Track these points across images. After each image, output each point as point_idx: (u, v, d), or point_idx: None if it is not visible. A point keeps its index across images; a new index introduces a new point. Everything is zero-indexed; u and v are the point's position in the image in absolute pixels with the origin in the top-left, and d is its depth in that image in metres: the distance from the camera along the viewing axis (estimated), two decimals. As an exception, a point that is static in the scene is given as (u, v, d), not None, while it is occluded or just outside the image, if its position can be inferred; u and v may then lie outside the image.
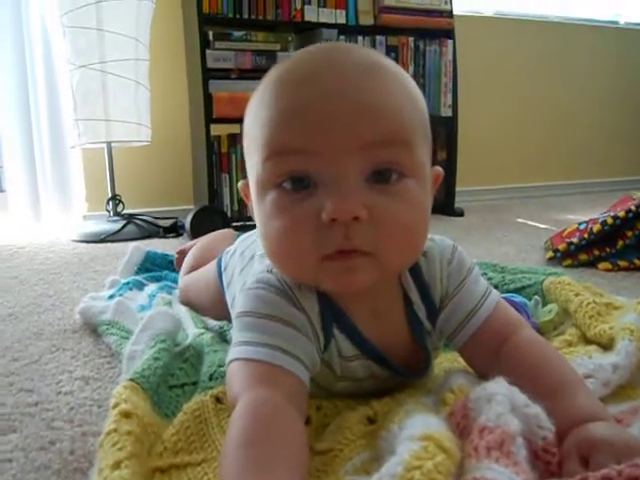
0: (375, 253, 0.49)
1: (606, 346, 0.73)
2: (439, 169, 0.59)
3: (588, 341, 0.78)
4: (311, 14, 2.33)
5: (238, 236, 0.93)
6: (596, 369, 0.64)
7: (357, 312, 0.57)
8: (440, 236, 0.62)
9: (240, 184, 0.61)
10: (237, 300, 0.59)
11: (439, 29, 2.54)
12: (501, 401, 0.46)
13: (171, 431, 0.54)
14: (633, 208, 1.32)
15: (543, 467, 0.46)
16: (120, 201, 2.22)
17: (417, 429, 0.44)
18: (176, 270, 1.23)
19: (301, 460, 0.42)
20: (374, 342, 0.58)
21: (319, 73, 0.50)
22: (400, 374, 0.61)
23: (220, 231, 1.32)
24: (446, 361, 0.73)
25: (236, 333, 0.54)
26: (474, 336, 0.58)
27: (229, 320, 0.87)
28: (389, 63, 0.53)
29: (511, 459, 0.42)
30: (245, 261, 0.78)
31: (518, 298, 0.90)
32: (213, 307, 0.92)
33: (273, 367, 0.50)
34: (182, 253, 1.22)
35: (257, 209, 0.54)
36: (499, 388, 0.48)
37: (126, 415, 0.52)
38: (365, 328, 0.57)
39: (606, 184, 3.40)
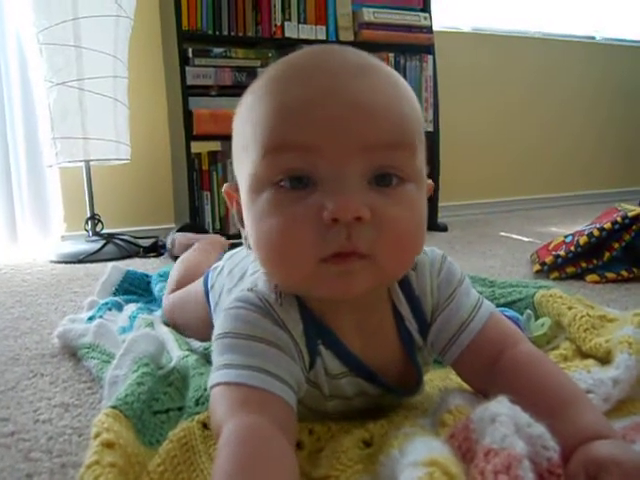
0: (373, 256, 0.47)
1: (602, 359, 0.72)
2: (430, 181, 0.57)
3: (583, 355, 0.76)
4: (291, 30, 2.33)
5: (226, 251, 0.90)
6: (596, 384, 0.62)
7: (343, 327, 0.55)
8: (430, 247, 0.61)
9: (225, 186, 0.59)
10: (216, 321, 0.56)
11: (419, 45, 2.55)
12: (505, 422, 0.44)
13: (157, 461, 0.51)
14: (619, 220, 1.32)
15: (549, 489, 0.44)
16: (99, 220, 2.18)
17: (420, 454, 0.41)
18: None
19: None
20: (362, 358, 0.56)
21: (316, 72, 0.49)
22: (390, 391, 0.58)
23: (210, 237, 1.29)
24: (437, 378, 0.71)
25: (216, 357, 0.51)
26: (467, 349, 0.56)
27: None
28: (384, 65, 0.52)
29: (519, 483, 0.40)
30: (234, 280, 0.76)
31: (510, 312, 0.88)
32: (199, 327, 0.89)
33: (257, 390, 0.47)
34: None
35: (249, 210, 0.51)
36: (502, 408, 0.46)
37: (108, 445, 0.49)
38: (352, 344, 0.55)
39: (587, 196, 3.43)
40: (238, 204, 0.55)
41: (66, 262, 1.94)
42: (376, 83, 0.49)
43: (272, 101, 0.49)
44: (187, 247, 1.26)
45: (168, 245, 1.23)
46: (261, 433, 0.43)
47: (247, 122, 0.51)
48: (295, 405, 0.49)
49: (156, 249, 2.11)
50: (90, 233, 2.16)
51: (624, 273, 1.32)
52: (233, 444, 0.42)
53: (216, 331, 0.53)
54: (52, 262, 1.95)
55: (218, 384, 0.49)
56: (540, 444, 0.44)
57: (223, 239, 1.23)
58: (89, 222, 2.16)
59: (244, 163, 0.52)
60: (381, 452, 0.49)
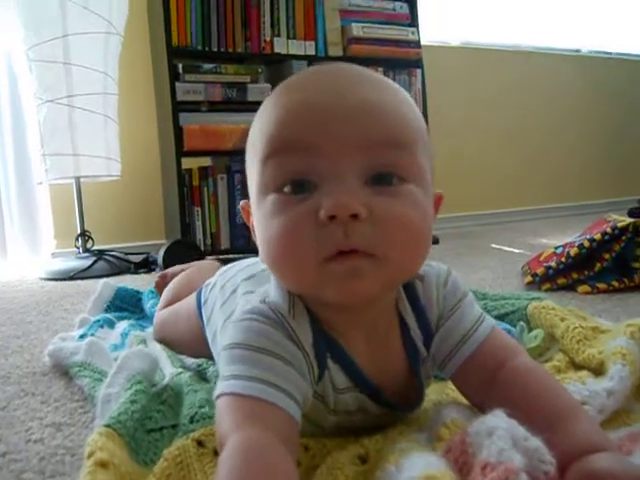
0: (378, 255, 0.47)
1: (596, 371, 0.72)
2: (440, 192, 0.57)
3: (577, 366, 0.76)
4: (281, 46, 2.34)
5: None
6: (591, 395, 0.62)
7: (352, 340, 0.55)
8: (435, 262, 0.61)
9: (241, 203, 0.60)
10: (226, 331, 0.56)
11: (408, 59, 2.57)
12: (502, 436, 0.44)
13: (151, 480, 0.51)
14: (609, 230, 1.33)
15: (546, 503, 0.44)
16: (90, 237, 2.17)
17: (417, 469, 0.41)
18: (157, 294, 1.19)
19: None
20: (368, 373, 0.55)
21: (318, 79, 0.52)
22: (392, 409, 0.58)
23: (204, 262, 1.29)
24: (433, 392, 0.71)
25: (225, 366, 0.51)
26: (468, 362, 0.56)
27: (208, 357, 0.84)
28: (386, 78, 0.55)
29: (517, 497, 0.39)
30: (226, 295, 0.75)
31: (502, 325, 0.88)
32: (191, 343, 0.89)
33: (264, 403, 0.47)
34: (164, 277, 1.19)
35: (257, 215, 0.52)
36: (499, 422, 0.45)
37: (102, 465, 0.48)
38: (360, 357, 0.55)
39: (577, 207, 3.46)
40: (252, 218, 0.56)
41: (56, 279, 1.93)
42: (376, 87, 0.51)
43: (276, 106, 0.51)
44: None
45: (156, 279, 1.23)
46: (265, 447, 0.43)
47: (255, 130, 0.53)
48: (300, 421, 0.49)
49: (147, 265, 2.10)
50: (80, 250, 2.15)
51: (615, 283, 1.33)
52: (236, 457, 0.41)
53: (226, 341, 0.52)
54: (42, 279, 1.94)
55: (225, 394, 0.48)
56: (537, 458, 0.44)
57: (217, 263, 1.24)
58: (79, 239, 2.15)
59: (253, 171, 0.53)
60: (377, 468, 0.48)
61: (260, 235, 0.52)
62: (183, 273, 1.17)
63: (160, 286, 1.17)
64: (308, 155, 0.48)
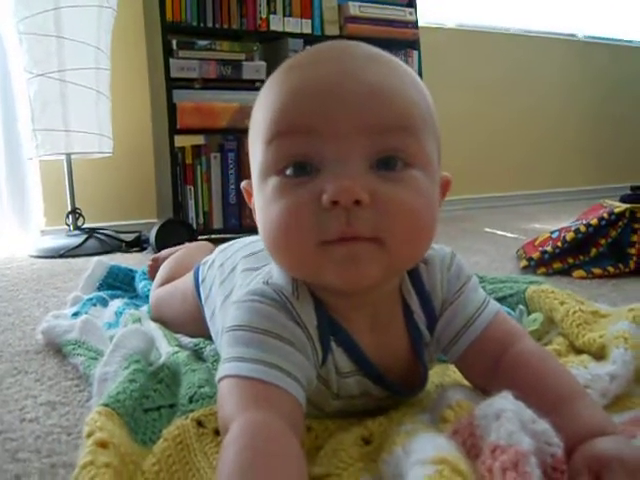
0: (381, 239, 0.46)
1: (596, 355, 0.71)
2: (448, 175, 0.56)
3: (577, 350, 0.76)
4: (277, 24, 2.31)
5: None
6: (593, 379, 0.62)
7: (356, 323, 0.54)
8: (439, 245, 0.60)
9: (243, 183, 0.59)
10: (226, 310, 0.55)
11: (404, 40, 2.55)
12: (510, 418, 0.43)
13: (151, 460, 0.50)
14: (605, 216, 1.32)
15: (553, 485, 0.43)
16: (80, 215, 2.14)
17: (427, 452, 0.40)
18: (149, 279, 1.18)
19: None
20: (372, 356, 0.55)
21: (325, 58, 0.50)
22: (395, 393, 0.58)
23: (197, 243, 1.27)
24: (435, 375, 0.70)
25: (227, 348, 0.49)
26: (472, 346, 0.56)
27: (205, 336, 0.83)
28: (394, 58, 0.53)
29: (527, 480, 0.39)
30: (225, 273, 0.74)
31: (502, 308, 0.88)
32: (189, 322, 0.88)
33: (268, 386, 0.46)
34: (156, 261, 1.17)
35: (258, 197, 0.51)
36: (507, 404, 0.45)
37: (102, 445, 0.47)
38: (363, 341, 0.54)
39: (567, 193, 3.47)
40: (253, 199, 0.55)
41: (46, 257, 1.90)
42: (384, 69, 0.49)
43: (281, 87, 0.49)
44: None
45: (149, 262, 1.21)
46: (271, 429, 0.42)
47: (259, 110, 0.51)
48: (304, 403, 0.48)
49: (139, 244, 2.08)
50: (71, 227, 2.12)
51: (610, 269, 1.33)
52: (242, 440, 0.40)
53: (229, 323, 0.51)
54: (32, 257, 1.92)
55: (229, 376, 0.47)
56: (544, 440, 0.44)
57: (209, 244, 1.22)
58: (70, 216, 2.13)
59: (256, 152, 0.51)
60: (383, 450, 0.48)
61: (261, 217, 0.51)
62: (175, 254, 1.16)
63: (153, 270, 1.15)
64: (311, 138, 0.47)
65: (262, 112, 0.50)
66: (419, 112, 0.50)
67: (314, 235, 0.46)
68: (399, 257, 0.49)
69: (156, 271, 1.11)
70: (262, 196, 0.50)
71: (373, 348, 0.55)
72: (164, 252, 1.21)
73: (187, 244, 1.26)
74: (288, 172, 0.48)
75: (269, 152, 0.49)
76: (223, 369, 0.48)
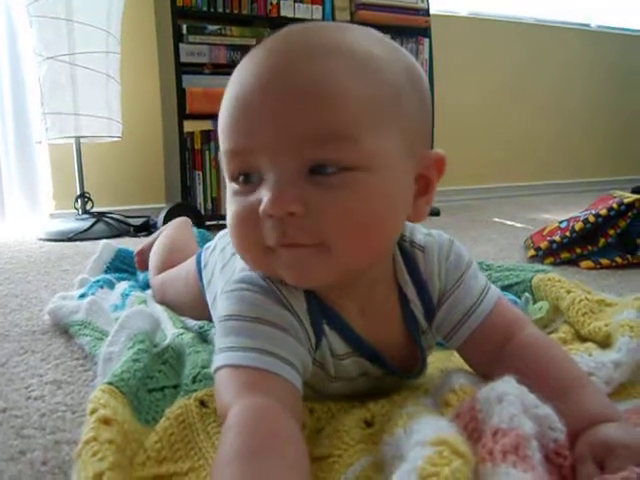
0: (326, 244, 0.46)
1: (601, 343, 0.71)
2: (438, 153, 0.52)
3: (582, 338, 0.76)
4: (287, 9, 2.30)
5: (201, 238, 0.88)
6: (598, 367, 0.61)
7: (346, 307, 0.54)
8: (437, 231, 0.59)
9: None
10: (218, 302, 0.55)
11: (416, 27, 2.53)
12: (513, 402, 0.43)
13: (154, 438, 0.50)
14: (615, 206, 1.31)
15: (555, 470, 0.43)
16: (89, 199, 2.15)
17: (428, 433, 0.40)
18: (139, 271, 1.18)
19: (304, 469, 0.39)
20: (365, 338, 0.55)
21: (268, 51, 0.48)
22: (393, 373, 0.58)
23: (172, 222, 1.26)
24: (438, 360, 0.71)
25: (220, 338, 0.50)
26: (473, 334, 0.55)
27: (209, 320, 0.83)
28: (355, 42, 0.48)
29: (528, 463, 0.39)
30: (226, 258, 0.74)
31: (508, 296, 0.87)
32: (192, 306, 0.88)
33: (264, 372, 0.46)
34: (142, 254, 1.16)
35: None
36: (509, 388, 0.45)
37: (106, 422, 0.47)
38: (356, 324, 0.54)
39: (577, 185, 3.44)
40: None
41: (55, 240, 1.91)
42: (319, 66, 0.45)
43: (228, 92, 0.50)
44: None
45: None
46: (269, 413, 0.42)
47: (221, 107, 0.51)
48: (301, 387, 0.48)
49: (147, 228, 2.09)
50: (80, 211, 2.13)
51: (618, 260, 1.32)
52: (240, 425, 0.41)
53: (219, 313, 0.51)
54: (41, 240, 1.93)
55: (223, 366, 0.47)
56: (547, 425, 0.44)
57: (187, 218, 1.23)
58: (79, 200, 2.14)
59: None
60: (384, 432, 0.48)
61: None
62: (161, 236, 1.15)
63: (142, 263, 1.15)
64: (249, 155, 0.48)
65: (220, 114, 0.50)
66: (357, 110, 0.46)
67: (261, 241, 0.48)
68: (346, 260, 0.48)
69: (146, 263, 1.10)
70: (227, 197, 0.52)
71: (368, 331, 0.55)
72: (145, 244, 1.19)
73: (162, 227, 1.25)
74: (240, 179, 0.49)
75: (224, 161, 0.51)
76: (217, 360, 0.48)
